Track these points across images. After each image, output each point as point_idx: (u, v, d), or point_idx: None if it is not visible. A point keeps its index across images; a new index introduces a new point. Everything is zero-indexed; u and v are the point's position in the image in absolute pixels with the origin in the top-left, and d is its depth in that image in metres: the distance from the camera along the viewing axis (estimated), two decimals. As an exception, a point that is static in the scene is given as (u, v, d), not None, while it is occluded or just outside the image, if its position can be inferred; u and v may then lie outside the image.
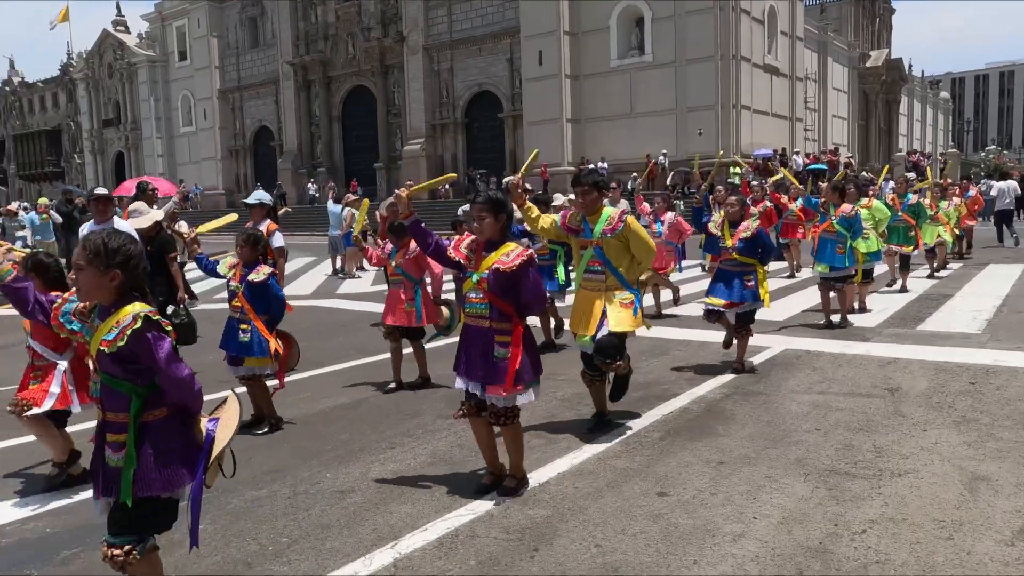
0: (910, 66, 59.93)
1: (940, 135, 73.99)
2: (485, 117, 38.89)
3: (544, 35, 34.60)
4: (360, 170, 41.57)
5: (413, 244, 6.38)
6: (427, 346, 6.65)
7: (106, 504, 2.61)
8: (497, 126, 38.32)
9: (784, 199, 13.09)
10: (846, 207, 8.38)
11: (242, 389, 5.10)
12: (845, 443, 4.64)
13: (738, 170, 30.42)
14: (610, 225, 4.74)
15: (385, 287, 6.63)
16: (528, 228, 7.23)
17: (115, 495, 2.53)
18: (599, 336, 4.77)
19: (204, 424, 2.68)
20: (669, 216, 9.73)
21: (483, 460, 4.21)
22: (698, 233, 8.89)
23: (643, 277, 5.20)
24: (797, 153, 33.91)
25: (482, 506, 3.86)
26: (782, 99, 36.82)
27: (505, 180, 13.92)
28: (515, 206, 4.75)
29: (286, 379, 5.74)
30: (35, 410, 4.08)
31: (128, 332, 2.44)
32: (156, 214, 7.42)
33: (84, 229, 6.54)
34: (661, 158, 31.56)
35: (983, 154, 69.51)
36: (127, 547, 2.54)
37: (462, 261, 4.05)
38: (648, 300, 9.98)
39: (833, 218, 8.34)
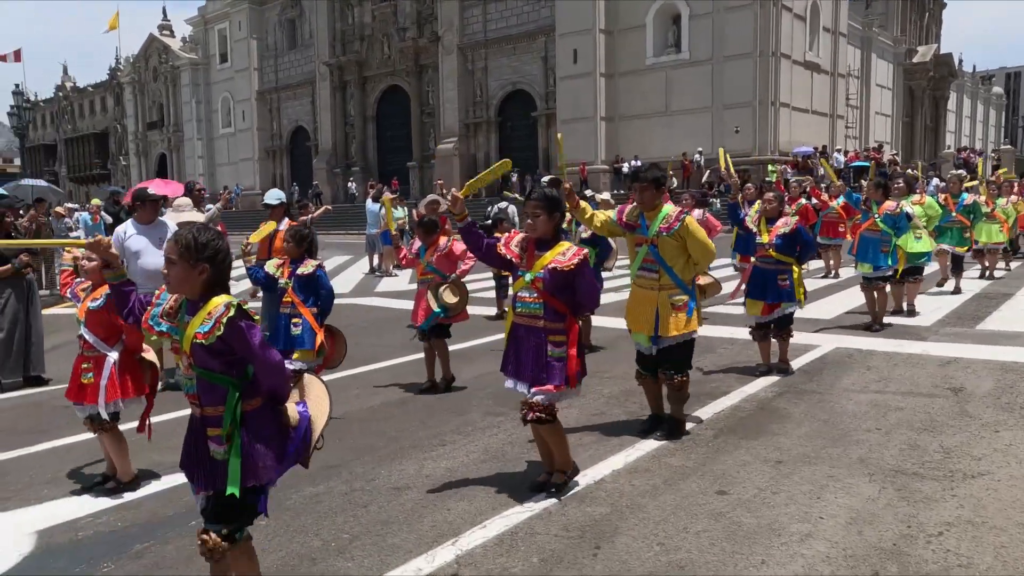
0: (960, 61, 58.35)
1: (992, 131, 71.95)
2: (518, 116, 38.88)
3: (579, 33, 34.44)
4: (394, 169, 41.83)
5: (443, 241, 6.35)
6: (451, 348, 6.52)
7: (208, 497, 2.66)
8: (530, 125, 38.28)
9: (825, 196, 12.72)
10: (890, 204, 8.03)
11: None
12: (909, 443, 4.52)
13: (775, 168, 30.08)
14: (667, 224, 4.66)
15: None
16: (564, 226, 7.19)
17: (221, 487, 2.57)
18: (664, 346, 4.72)
19: (295, 409, 2.74)
20: (697, 213, 9.57)
21: (536, 455, 4.18)
22: (731, 231, 8.72)
23: (701, 281, 5.09)
24: (838, 151, 33.31)
25: (539, 503, 3.83)
26: (823, 96, 36.18)
27: (545, 178, 13.84)
28: (568, 207, 4.72)
29: (333, 376, 5.77)
30: (99, 409, 4.12)
31: (224, 321, 2.49)
32: (196, 215, 7.56)
33: (129, 228, 6.54)
34: (697, 156, 31.25)
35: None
36: (224, 533, 2.61)
37: (514, 260, 3.99)
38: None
39: (876, 216, 8.02)
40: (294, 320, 5.28)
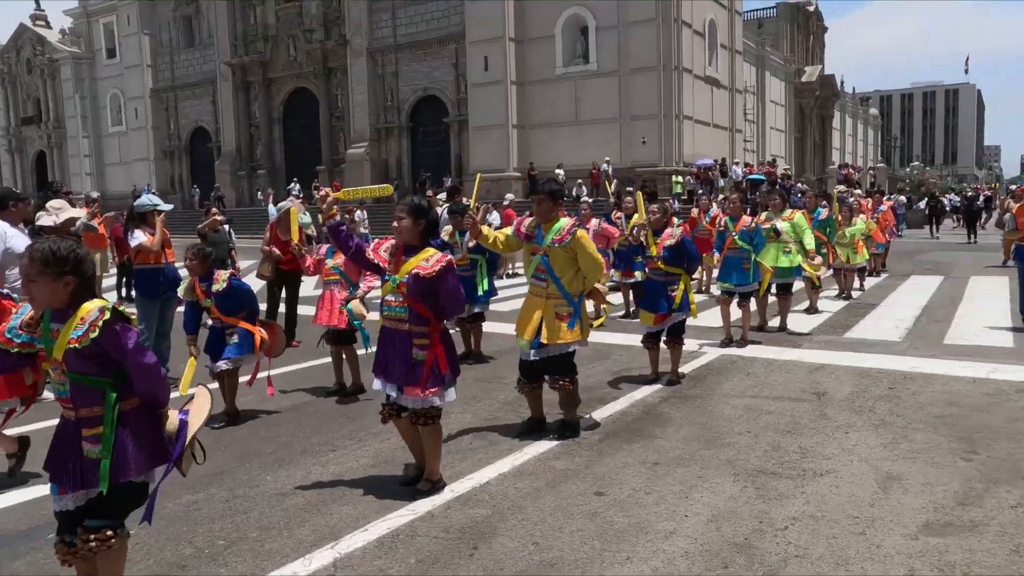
0: (842, 82, 62.33)
1: (871, 149, 77.02)
2: (431, 122, 38.80)
3: (489, 41, 34.71)
4: (301, 173, 40.93)
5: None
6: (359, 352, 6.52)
7: (75, 497, 2.66)
8: (443, 131, 38.28)
9: (695, 212, 12.23)
10: (746, 219, 8.08)
11: (214, 385, 5.19)
12: (773, 444, 4.85)
13: (680, 179, 31.21)
14: (559, 236, 4.89)
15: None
16: (445, 238, 7.37)
17: (94, 485, 2.60)
18: (545, 354, 4.92)
19: (176, 416, 2.79)
20: (594, 223, 9.74)
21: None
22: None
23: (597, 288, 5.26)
24: (736, 163, 34.86)
25: (422, 506, 3.91)
26: (723, 110, 37.83)
27: (445, 188, 13.87)
28: (472, 236, 5.10)
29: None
30: None
31: (99, 324, 2.52)
32: (77, 211, 7.22)
33: (6, 228, 6.01)
34: (605, 166, 32.02)
35: (907, 170, 72.59)
36: (108, 531, 2.64)
37: (382, 265, 4.11)
38: (619, 298, 9.99)
39: (734, 234, 7.95)
40: (228, 331, 5.39)
